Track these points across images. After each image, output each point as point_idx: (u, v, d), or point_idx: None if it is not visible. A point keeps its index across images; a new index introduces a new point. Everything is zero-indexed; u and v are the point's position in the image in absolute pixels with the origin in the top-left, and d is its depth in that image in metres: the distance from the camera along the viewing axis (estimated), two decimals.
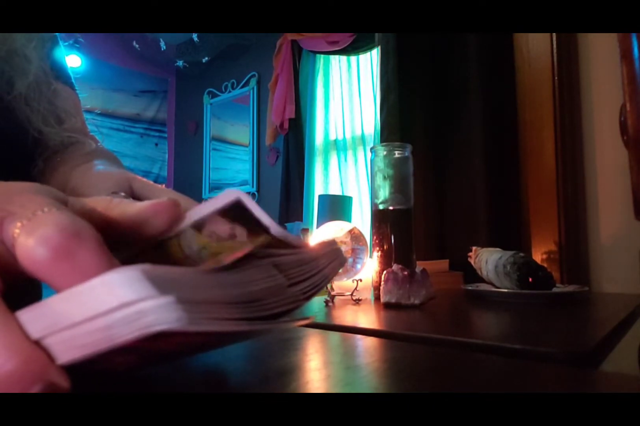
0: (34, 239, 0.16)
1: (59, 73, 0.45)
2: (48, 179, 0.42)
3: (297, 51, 2.61)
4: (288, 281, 0.21)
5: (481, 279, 0.74)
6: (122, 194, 0.27)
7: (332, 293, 0.61)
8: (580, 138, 1.04)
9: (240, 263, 0.19)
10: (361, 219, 2.25)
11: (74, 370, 0.15)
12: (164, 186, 0.30)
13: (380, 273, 0.61)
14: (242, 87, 3.01)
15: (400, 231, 0.64)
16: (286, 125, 2.58)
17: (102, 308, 0.14)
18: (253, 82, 2.94)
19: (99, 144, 0.46)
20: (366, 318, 0.51)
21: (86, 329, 0.15)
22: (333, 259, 0.24)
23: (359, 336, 0.36)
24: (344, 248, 0.63)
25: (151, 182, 0.30)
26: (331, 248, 0.24)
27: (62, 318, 0.15)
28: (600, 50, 1.01)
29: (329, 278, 0.23)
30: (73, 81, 0.48)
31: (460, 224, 1.12)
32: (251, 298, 0.18)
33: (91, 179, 0.32)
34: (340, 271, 0.22)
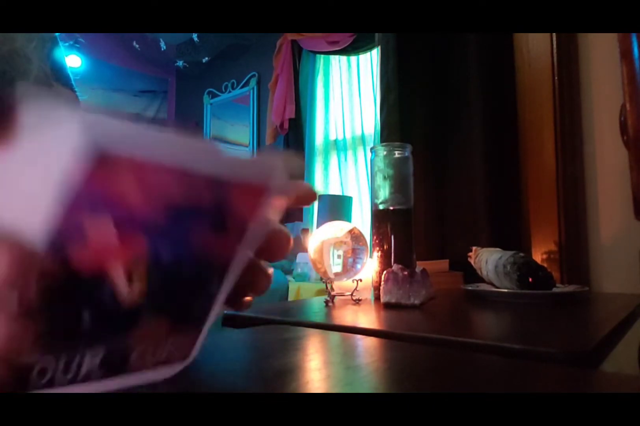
0: None
1: (59, 74, 0.45)
2: None
3: (297, 51, 2.61)
4: None
5: (481, 279, 0.74)
6: None
7: (332, 293, 0.61)
8: (580, 138, 1.04)
9: None
10: (361, 219, 2.25)
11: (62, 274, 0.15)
12: None
13: (380, 273, 0.60)
14: (242, 87, 3.01)
15: (400, 231, 0.64)
16: (286, 125, 2.58)
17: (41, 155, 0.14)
18: (253, 82, 2.94)
19: None
20: (366, 318, 0.51)
21: (33, 187, 0.14)
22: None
23: (359, 336, 0.36)
24: (344, 248, 0.63)
25: None
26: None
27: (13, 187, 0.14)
28: (600, 50, 1.01)
29: None
30: (73, 82, 0.48)
31: (460, 224, 1.12)
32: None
33: None
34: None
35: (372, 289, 0.65)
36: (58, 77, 0.44)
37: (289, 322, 0.45)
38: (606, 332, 0.39)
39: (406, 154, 0.67)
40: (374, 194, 0.67)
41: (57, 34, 0.45)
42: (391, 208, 0.65)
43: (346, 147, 2.43)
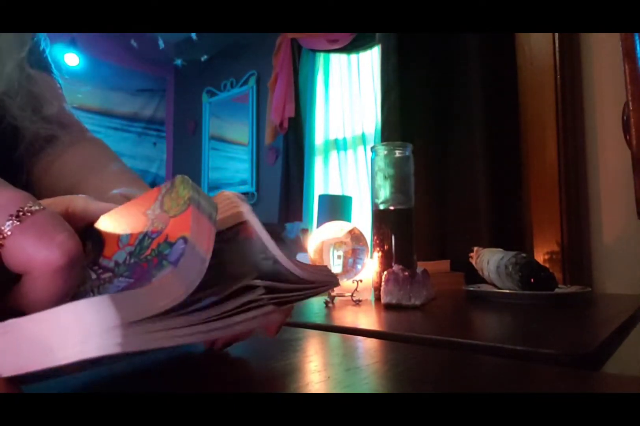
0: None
1: (36, 58, 0.44)
2: (38, 178, 0.42)
3: (296, 49, 2.60)
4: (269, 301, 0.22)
5: (483, 280, 0.73)
6: None
7: (332, 294, 0.60)
8: (582, 137, 1.03)
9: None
10: (361, 219, 2.25)
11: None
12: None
13: (381, 273, 0.60)
14: (241, 86, 3.00)
15: (400, 231, 0.64)
16: (286, 124, 2.57)
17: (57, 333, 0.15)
18: (252, 80, 2.94)
19: (87, 133, 0.46)
20: (366, 319, 0.50)
21: (36, 349, 0.15)
22: (322, 285, 0.26)
23: (359, 338, 0.36)
24: (344, 248, 0.62)
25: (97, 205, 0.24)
26: (327, 276, 0.27)
27: (23, 338, 0.15)
28: (603, 49, 1.01)
29: (307, 297, 0.25)
30: (52, 67, 0.47)
31: (461, 224, 1.12)
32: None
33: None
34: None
35: (373, 290, 0.65)
36: (35, 60, 0.43)
37: (288, 323, 0.45)
38: (609, 333, 0.38)
39: (407, 153, 0.66)
40: (374, 194, 0.66)
41: None
42: (392, 208, 0.64)
43: (346, 146, 2.42)
